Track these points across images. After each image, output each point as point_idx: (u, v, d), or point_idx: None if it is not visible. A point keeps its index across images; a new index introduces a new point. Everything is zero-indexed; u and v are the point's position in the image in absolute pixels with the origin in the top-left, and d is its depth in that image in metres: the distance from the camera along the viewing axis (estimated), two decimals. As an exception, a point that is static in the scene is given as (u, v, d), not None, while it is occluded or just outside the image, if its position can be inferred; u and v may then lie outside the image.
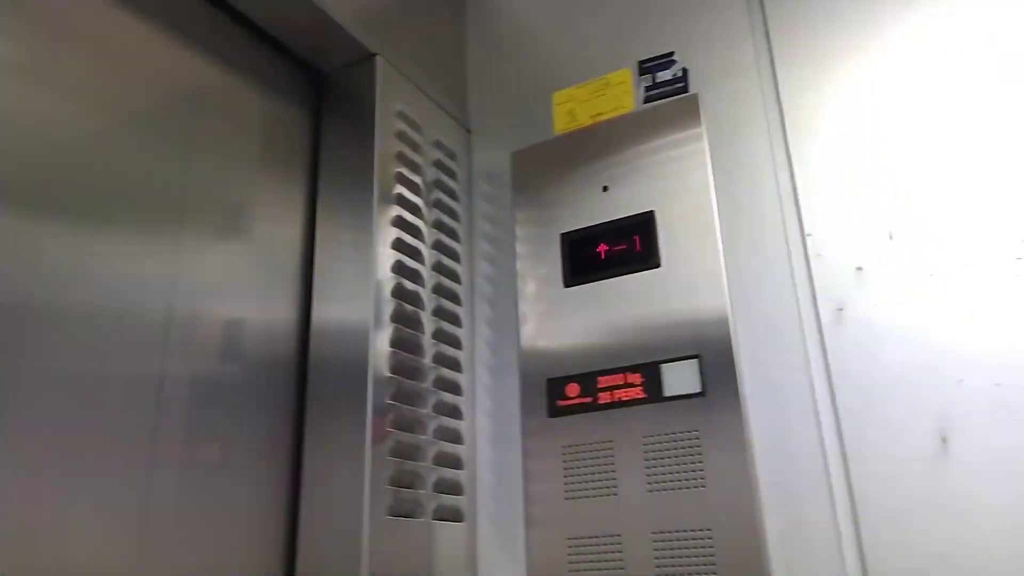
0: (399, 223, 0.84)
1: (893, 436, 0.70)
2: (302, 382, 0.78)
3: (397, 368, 0.78)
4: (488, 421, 0.91)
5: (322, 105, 0.90)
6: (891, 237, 0.75)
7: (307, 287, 0.82)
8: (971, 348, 0.69)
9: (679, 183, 0.86)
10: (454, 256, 0.93)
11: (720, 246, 0.81)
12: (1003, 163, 0.72)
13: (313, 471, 0.74)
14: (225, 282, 0.74)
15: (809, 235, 0.79)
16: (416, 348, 0.83)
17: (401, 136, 0.88)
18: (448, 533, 0.81)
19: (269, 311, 0.78)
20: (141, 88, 0.70)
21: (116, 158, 0.66)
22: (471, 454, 0.89)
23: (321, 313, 0.81)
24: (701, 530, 0.72)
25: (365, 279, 0.78)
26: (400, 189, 0.85)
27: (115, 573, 0.59)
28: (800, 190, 0.81)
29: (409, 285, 0.83)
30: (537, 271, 0.90)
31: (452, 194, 0.96)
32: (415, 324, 0.83)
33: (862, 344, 0.73)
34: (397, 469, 0.75)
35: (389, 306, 0.79)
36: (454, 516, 0.83)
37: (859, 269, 0.76)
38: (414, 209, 0.87)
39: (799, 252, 0.79)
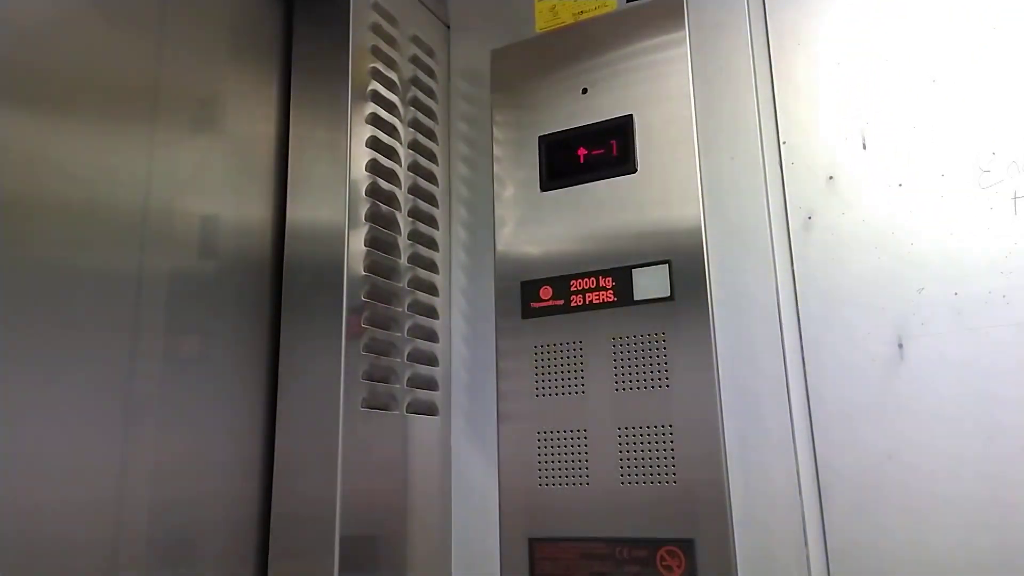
0: (374, 121, 0.83)
1: (851, 341, 0.72)
2: (277, 279, 0.79)
3: (372, 267, 0.79)
4: (463, 321, 0.93)
5: (294, -5, 0.87)
6: (864, 146, 0.76)
7: (281, 185, 0.82)
8: (934, 257, 0.71)
9: (659, 88, 0.85)
10: (431, 157, 0.93)
11: (696, 152, 0.81)
12: (977, 75, 0.72)
13: (289, 366, 0.76)
14: (200, 178, 0.74)
15: (784, 143, 0.79)
16: (392, 248, 0.83)
17: (376, 29, 0.86)
18: (423, 426, 0.85)
19: (244, 208, 0.78)
20: (104, -28, 0.68)
21: (84, 47, 0.64)
22: (446, 352, 0.91)
23: (296, 211, 0.81)
24: (663, 426, 0.76)
25: (340, 177, 0.78)
26: (375, 85, 0.84)
27: (98, 462, 0.61)
28: (778, 98, 0.80)
29: (385, 185, 0.83)
30: (515, 174, 0.90)
31: (429, 92, 0.94)
32: (391, 224, 0.84)
33: (828, 252, 0.75)
34: (372, 364, 0.77)
35: (364, 205, 0.79)
36: (429, 410, 0.86)
37: (831, 178, 0.77)
38: (390, 107, 0.86)
39: (773, 160, 0.80)
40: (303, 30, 0.85)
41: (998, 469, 0.65)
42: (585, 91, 0.89)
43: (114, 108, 0.66)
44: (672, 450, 0.75)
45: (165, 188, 0.70)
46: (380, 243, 0.81)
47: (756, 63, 0.82)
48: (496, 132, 0.92)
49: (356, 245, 0.77)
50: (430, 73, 0.95)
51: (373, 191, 0.81)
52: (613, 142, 0.86)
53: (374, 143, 0.82)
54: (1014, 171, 0.69)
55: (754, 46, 0.83)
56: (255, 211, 0.79)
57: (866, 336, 0.72)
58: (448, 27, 1.02)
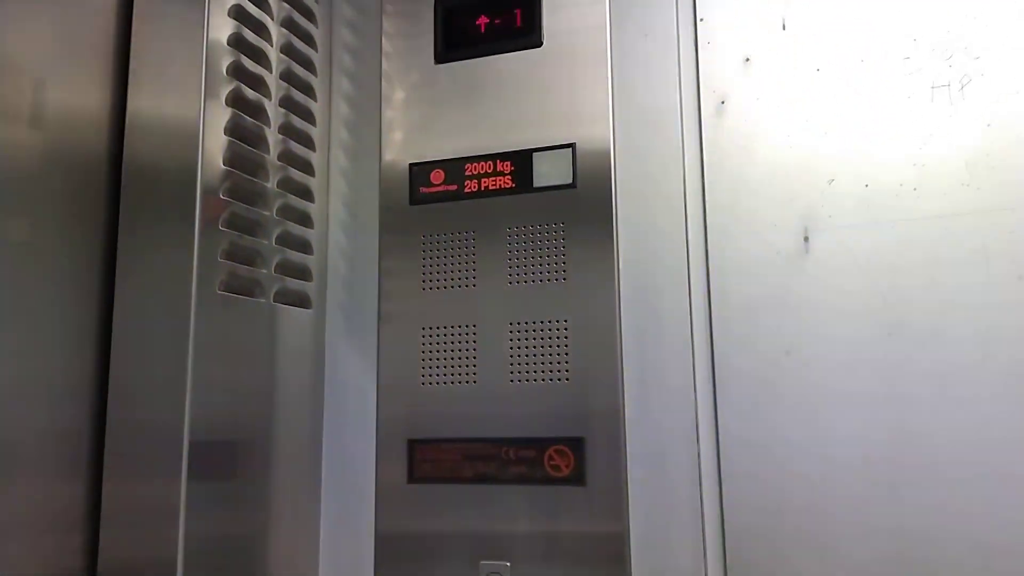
0: (240, -41, 0.70)
1: (757, 233, 0.69)
2: (119, 146, 0.66)
3: (234, 130, 0.68)
4: (342, 206, 0.83)
5: None
6: (784, 27, 0.71)
7: (126, 34, 0.68)
8: (847, 147, 0.68)
9: (570, -47, 0.76)
10: (308, 15, 0.81)
11: (608, 26, 0.74)
12: (908, -46, 0.68)
13: (133, 239, 0.64)
14: (26, 50, 0.59)
15: (701, 20, 0.73)
16: (258, 112, 0.72)
17: None
18: (294, 318, 0.76)
19: (79, 76, 0.64)
20: None
21: None
22: (322, 239, 0.81)
23: (140, 63, 0.67)
24: (557, 321, 0.70)
25: (194, 25, 0.65)
26: (242, -82, 0.71)
27: None
28: (698, -31, 0.74)
29: (250, 36, 0.71)
30: (407, 40, 0.80)
31: (309, -59, 0.82)
32: (258, 84, 0.72)
33: (740, 139, 0.70)
34: (233, 243, 0.67)
35: (225, 57, 0.68)
36: (301, 302, 0.77)
37: (747, 60, 0.71)
38: (259, -53, 0.73)
39: (688, 39, 0.73)
40: None
41: (896, 365, 0.63)
42: (488, -48, 0.79)
43: None
44: (566, 346, 0.70)
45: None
46: (244, 104, 0.70)
47: (676, -69, 0.75)
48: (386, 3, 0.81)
49: (213, 104, 0.66)
50: (310, -82, 0.82)
51: (236, 42, 0.69)
52: (518, 10, 0.77)
53: (239, -14, 0.70)
54: (934, 59, 0.66)
55: (674, -85, 0.75)
56: (93, 85, 0.65)
57: (772, 228, 0.68)
58: None
